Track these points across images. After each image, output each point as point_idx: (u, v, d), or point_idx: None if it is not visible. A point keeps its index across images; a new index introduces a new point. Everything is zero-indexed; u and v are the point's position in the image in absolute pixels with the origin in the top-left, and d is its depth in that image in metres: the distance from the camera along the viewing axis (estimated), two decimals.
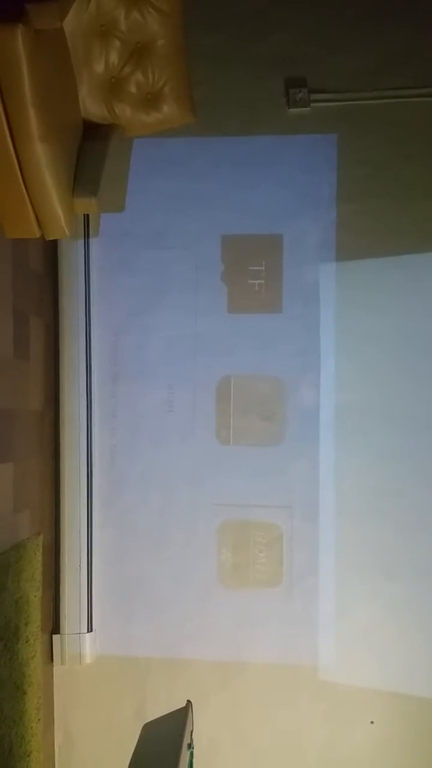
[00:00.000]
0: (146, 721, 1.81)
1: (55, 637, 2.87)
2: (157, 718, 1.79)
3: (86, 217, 2.91)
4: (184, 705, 1.80)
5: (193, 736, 1.78)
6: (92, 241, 2.95)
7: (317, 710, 2.84)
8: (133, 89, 2.09)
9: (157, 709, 1.91)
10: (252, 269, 2.97)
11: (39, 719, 2.59)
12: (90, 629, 2.89)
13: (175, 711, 1.77)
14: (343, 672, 2.84)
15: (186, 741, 1.64)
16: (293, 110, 2.95)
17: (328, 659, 2.85)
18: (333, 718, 2.84)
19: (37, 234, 1.97)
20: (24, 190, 1.85)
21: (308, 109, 2.94)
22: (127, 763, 1.58)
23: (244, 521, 2.92)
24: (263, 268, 2.96)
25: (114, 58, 2.05)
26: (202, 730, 2.34)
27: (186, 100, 2.16)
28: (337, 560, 2.86)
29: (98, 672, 2.91)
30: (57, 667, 2.90)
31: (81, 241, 2.93)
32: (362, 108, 2.93)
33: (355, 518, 2.86)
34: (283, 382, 2.93)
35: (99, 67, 2.05)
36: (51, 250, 2.93)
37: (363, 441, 2.88)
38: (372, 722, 2.83)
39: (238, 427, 2.95)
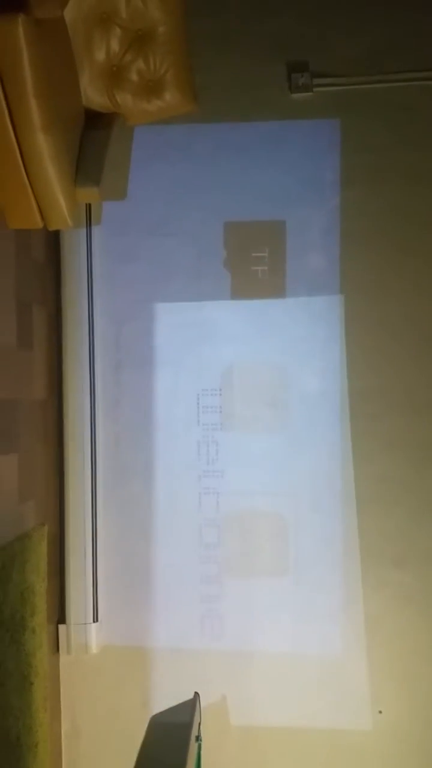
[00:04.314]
0: (153, 712, 1.82)
1: (61, 627, 2.88)
2: (165, 710, 1.79)
3: (88, 206, 2.89)
4: (191, 696, 1.80)
5: (201, 728, 1.79)
6: (94, 229, 2.92)
7: (325, 700, 2.85)
8: (134, 77, 2.06)
9: (164, 699, 1.92)
10: (255, 255, 2.95)
11: (46, 709, 2.61)
12: (96, 619, 2.89)
13: (182, 703, 1.78)
14: (351, 661, 2.85)
15: (194, 733, 1.65)
16: (296, 95, 2.92)
17: (336, 648, 2.86)
18: (341, 708, 2.84)
19: (40, 224, 1.95)
20: (26, 181, 1.83)
21: (311, 93, 2.91)
22: (135, 754, 1.59)
23: (249, 510, 2.92)
24: (266, 254, 2.95)
25: (115, 45, 2.02)
26: (209, 722, 2.35)
27: (188, 88, 2.13)
28: (343, 549, 2.86)
29: (104, 662, 2.92)
30: (63, 657, 2.91)
31: (83, 230, 2.91)
32: (366, 92, 2.90)
33: (362, 506, 2.86)
34: (288, 369, 2.92)
35: (100, 55, 2.02)
36: (53, 239, 2.91)
37: (369, 427, 2.87)
38: (380, 712, 2.84)
39: (242, 415, 2.94)
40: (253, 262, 2.95)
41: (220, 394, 2.93)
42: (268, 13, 2.90)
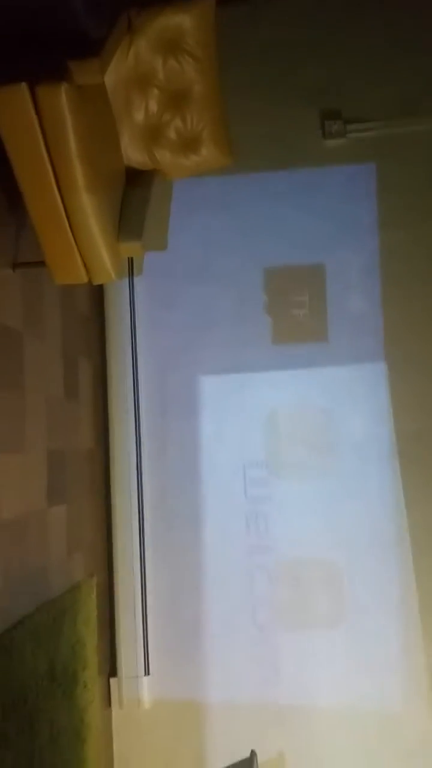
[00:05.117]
0: None
1: (113, 680, 2.84)
2: None
3: (130, 257, 2.95)
4: (248, 755, 1.76)
5: None
6: (136, 279, 2.98)
7: (387, 755, 2.73)
8: (172, 135, 2.13)
9: (218, 756, 1.88)
10: (295, 299, 2.96)
11: (99, 767, 2.56)
12: (147, 672, 2.85)
13: (239, 761, 1.73)
14: (413, 714, 2.74)
15: None
16: (330, 142, 2.96)
17: (396, 701, 2.76)
18: (404, 764, 2.73)
19: (85, 280, 2.01)
20: (72, 239, 1.89)
21: (344, 139, 2.95)
22: None
23: (301, 559, 2.86)
24: (307, 298, 2.95)
25: (153, 106, 2.09)
26: None
27: (224, 142, 2.19)
28: (400, 596, 2.78)
29: (157, 716, 2.86)
30: (115, 712, 2.86)
31: (125, 281, 2.97)
32: (399, 136, 2.93)
33: (417, 551, 2.78)
34: (333, 413, 2.89)
35: (139, 116, 2.09)
36: (97, 291, 2.98)
37: (420, 470, 2.81)
38: None
39: (289, 460, 2.91)
40: (293, 307, 2.96)
41: (265, 440, 2.91)
42: (300, 63, 2.96)
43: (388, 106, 2.92)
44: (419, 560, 2.78)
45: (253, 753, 1.74)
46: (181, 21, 2.01)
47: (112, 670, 2.86)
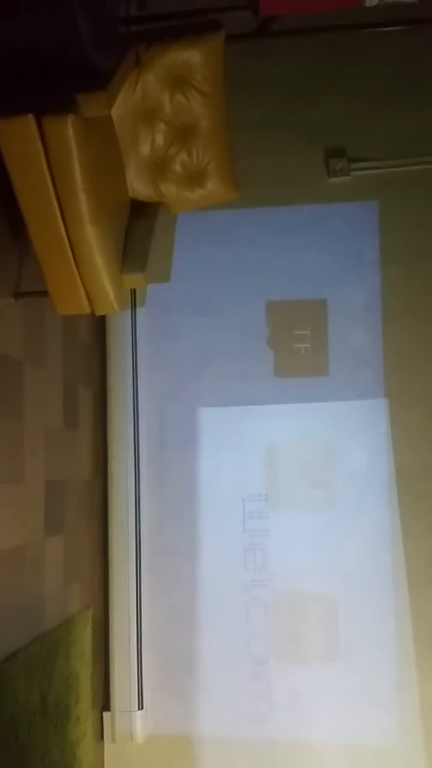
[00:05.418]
0: None
1: (106, 714, 2.80)
2: None
3: (133, 288, 2.97)
4: None
5: None
6: (139, 310, 2.99)
7: None
8: (178, 168, 2.15)
9: None
10: (297, 333, 2.97)
11: None
12: (141, 706, 2.80)
13: None
14: (408, 750, 2.70)
15: None
16: (334, 179, 2.99)
17: (391, 736, 2.71)
18: None
19: (88, 310, 2.02)
20: (75, 270, 1.90)
21: (349, 177, 2.98)
22: None
23: (297, 592, 2.84)
24: (308, 332, 2.97)
25: (159, 139, 2.12)
26: None
27: (229, 177, 2.21)
28: (397, 631, 2.75)
29: (150, 751, 2.81)
30: (108, 746, 2.81)
31: (128, 312, 2.98)
32: (402, 174, 2.96)
33: (414, 587, 2.76)
34: (332, 446, 2.89)
35: (145, 149, 2.12)
36: (99, 320, 2.99)
37: (419, 506, 2.80)
38: None
39: (288, 494, 2.90)
40: (295, 340, 2.97)
41: (265, 473, 2.90)
42: (306, 101, 3.01)
43: (392, 145, 2.97)
44: (415, 594, 2.75)
45: None
46: (190, 57, 2.04)
47: (105, 704, 2.81)
